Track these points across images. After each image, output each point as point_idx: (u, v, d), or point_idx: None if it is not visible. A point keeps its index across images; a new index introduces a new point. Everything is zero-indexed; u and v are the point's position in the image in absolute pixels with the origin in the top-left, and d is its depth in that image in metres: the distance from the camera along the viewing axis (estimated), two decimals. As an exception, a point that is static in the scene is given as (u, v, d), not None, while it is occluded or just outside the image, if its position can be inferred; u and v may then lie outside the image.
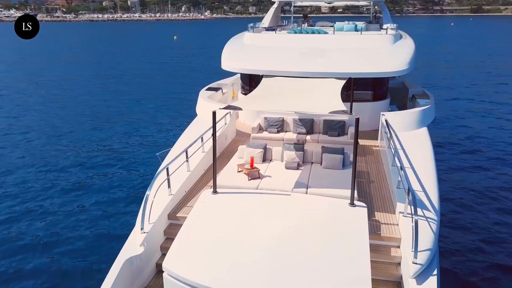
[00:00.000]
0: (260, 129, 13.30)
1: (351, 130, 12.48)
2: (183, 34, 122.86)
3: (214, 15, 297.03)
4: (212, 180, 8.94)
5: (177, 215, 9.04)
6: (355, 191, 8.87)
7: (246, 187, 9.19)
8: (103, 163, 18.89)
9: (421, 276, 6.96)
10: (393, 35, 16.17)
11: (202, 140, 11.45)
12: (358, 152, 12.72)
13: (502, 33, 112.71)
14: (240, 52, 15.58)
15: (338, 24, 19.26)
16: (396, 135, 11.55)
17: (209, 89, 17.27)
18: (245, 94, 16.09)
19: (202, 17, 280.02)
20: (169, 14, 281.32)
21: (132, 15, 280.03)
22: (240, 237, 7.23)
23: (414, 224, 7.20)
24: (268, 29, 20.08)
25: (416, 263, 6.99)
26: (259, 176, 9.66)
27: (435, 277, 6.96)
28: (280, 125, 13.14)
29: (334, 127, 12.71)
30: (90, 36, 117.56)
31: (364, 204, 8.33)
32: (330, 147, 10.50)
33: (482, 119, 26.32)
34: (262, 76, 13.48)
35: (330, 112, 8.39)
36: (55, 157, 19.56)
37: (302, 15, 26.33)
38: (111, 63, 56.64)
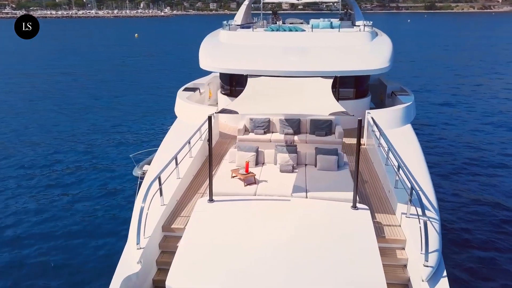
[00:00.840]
0: (246, 130, 12.94)
1: (339, 129, 12.37)
2: (144, 32, 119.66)
3: (175, 12, 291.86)
4: (208, 188, 8.50)
5: (172, 226, 8.54)
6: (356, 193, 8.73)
7: (243, 194, 8.82)
8: (72, 167, 17.87)
9: (432, 279, 6.89)
10: (370, 32, 16.26)
11: (189, 144, 10.95)
12: (346, 151, 12.65)
13: (456, 28, 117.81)
14: (219, 51, 15.11)
15: (313, 21, 19.18)
16: (384, 134, 11.52)
17: (187, 89, 16.69)
18: (226, 94, 15.66)
19: (162, 13, 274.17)
20: (128, 11, 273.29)
21: (88, 11, 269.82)
22: (244, 247, 6.89)
23: (423, 225, 7.12)
24: (243, 26, 19.71)
25: (427, 266, 6.91)
26: (255, 181, 9.31)
27: (445, 278, 6.91)
28: (266, 126, 12.82)
29: (321, 127, 12.55)
30: (47, 33, 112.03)
31: (366, 207, 8.20)
32: (323, 148, 10.31)
33: (451, 112, 27.20)
34: (246, 76, 13.13)
35: (330, 114, 8.18)
36: (14, 159, 18.30)
37: (271, 11, 26.13)
38: (70, 61, 54.19)
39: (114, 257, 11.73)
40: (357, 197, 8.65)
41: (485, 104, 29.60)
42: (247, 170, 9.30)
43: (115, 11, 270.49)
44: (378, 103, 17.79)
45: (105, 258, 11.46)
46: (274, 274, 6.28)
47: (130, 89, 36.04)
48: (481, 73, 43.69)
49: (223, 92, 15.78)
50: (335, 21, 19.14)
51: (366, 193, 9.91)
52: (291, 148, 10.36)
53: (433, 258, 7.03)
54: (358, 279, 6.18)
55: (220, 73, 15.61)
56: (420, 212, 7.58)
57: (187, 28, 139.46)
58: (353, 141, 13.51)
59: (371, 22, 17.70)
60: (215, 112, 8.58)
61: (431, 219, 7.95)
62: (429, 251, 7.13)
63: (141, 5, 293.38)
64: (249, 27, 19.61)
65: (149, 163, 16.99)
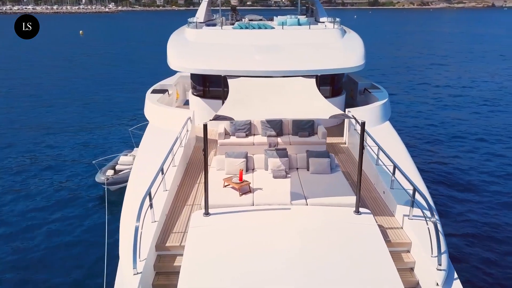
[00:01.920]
0: (226, 134, 12.38)
1: (321, 129, 12.16)
2: (89, 29, 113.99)
3: (120, 8, 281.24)
4: (204, 200, 7.92)
5: (166, 245, 7.86)
6: (355, 197, 8.52)
7: (239, 204, 8.31)
8: (30, 174, 16.40)
9: (446, 282, 6.80)
10: (340, 29, 16.25)
11: (171, 153, 10.24)
12: (329, 151, 12.47)
13: (400, 23, 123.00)
14: (192, 51, 14.39)
15: (280, 18, 18.93)
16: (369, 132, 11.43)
17: (155, 91, 15.81)
18: (198, 95, 14.97)
19: (107, 10, 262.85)
20: (68, 7, 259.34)
21: (24, 7, 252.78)
22: (252, 261, 6.47)
23: (433, 227, 7.01)
24: (208, 24, 19.05)
25: (441, 270, 6.81)
26: (249, 190, 8.83)
27: (458, 280, 6.85)
28: (248, 129, 12.34)
29: (304, 127, 12.28)
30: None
31: (368, 211, 8.03)
32: (314, 150, 10.04)
33: (414, 106, 28.15)
34: (223, 77, 12.57)
35: (330, 117, 7.88)
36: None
37: (230, 8, 25.62)
38: (8, 64, 50.29)
39: (82, 269, 10.97)
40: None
41: (440, 94, 30.96)
42: (241, 179, 8.79)
43: (55, 7, 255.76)
44: (349, 101, 17.87)
45: (73, 269, 10.58)
46: (289, 286, 5.93)
47: (84, 91, 33.99)
48: (429, 64, 45.83)
49: (195, 93, 15.08)
50: (302, 18, 18.99)
51: (360, 195, 9.74)
52: (281, 152, 9.98)
53: (445, 260, 6.95)
54: (375, 284, 6.02)
55: (192, 74, 14.89)
56: (426, 214, 7.50)
57: (135, 24, 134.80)
58: (333, 140, 13.39)
59: (338, 19, 17.69)
60: (210, 119, 7.96)
61: (433, 220, 7.87)
62: (441, 253, 7.06)
63: (83, 0, 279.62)
64: (214, 25, 19.00)
65: (112, 168, 16.00)
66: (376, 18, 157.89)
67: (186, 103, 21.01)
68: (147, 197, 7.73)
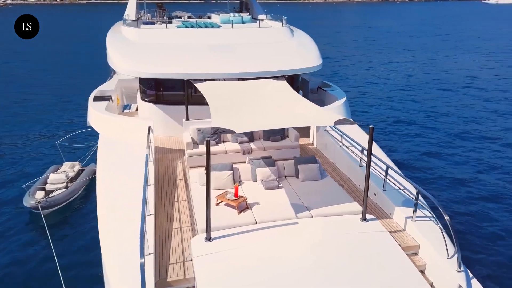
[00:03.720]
0: (194, 143, 11.45)
1: (293, 132, 11.83)
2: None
3: (9, 1, 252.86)
4: (206, 225, 7.12)
5: (169, 280, 6.91)
6: (355, 203, 8.37)
7: (240, 224, 7.64)
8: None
9: (467, 283, 6.88)
10: (288, 27, 16.06)
11: (146, 171, 9.12)
12: (301, 154, 12.21)
13: (312, 18, 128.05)
14: (144, 53, 13.07)
15: (222, 15, 18.19)
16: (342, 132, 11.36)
17: (98, 98, 14.16)
18: (151, 101, 13.69)
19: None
20: None
21: None
22: (275, 285, 6.04)
23: (450, 226, 7.03)
24: (146, 22, 17.64)
25: (460, 271, 6.88)
26: (247, 206, 8.16)
27: (475, 279, 6.97)
28: (217, 136, 11.54)
29: (275, 131, 11.84)
30: None
31: (373, 217, 7.91)
32: (301, 157, 9.67)
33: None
34: (186, 81, 11.62)
35: (335, 122, 7.55)
36: None
37: (155, 4, 24.17)
38: None
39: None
40: (359, 207, 8.29)
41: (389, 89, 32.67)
42: (236, 195, 8.08)
43: None
44: None
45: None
46: None
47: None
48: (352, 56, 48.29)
49: (146, 99, 13.77)
50: (245, 16, 18.49)
51: (335, 199, 9.51)
52: (268, 160, 9.44)
53: (459, 261, 7.04)
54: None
55: (142, 78, 13.55)
56: (434, 215, 7.55)
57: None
58: (300, 141, 13.16)
59: (285, 17, 17.48)
60: (211, 135, 7.13)
61: (448, 221, 7.83)
62: (453, 254, 7.14)
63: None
64: (152, 23, 17.69)
65: (42, 189, 14.17)
66: (285, 12, 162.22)
67: (125, 108, 19.34)
68: (144, 227, 6.71)
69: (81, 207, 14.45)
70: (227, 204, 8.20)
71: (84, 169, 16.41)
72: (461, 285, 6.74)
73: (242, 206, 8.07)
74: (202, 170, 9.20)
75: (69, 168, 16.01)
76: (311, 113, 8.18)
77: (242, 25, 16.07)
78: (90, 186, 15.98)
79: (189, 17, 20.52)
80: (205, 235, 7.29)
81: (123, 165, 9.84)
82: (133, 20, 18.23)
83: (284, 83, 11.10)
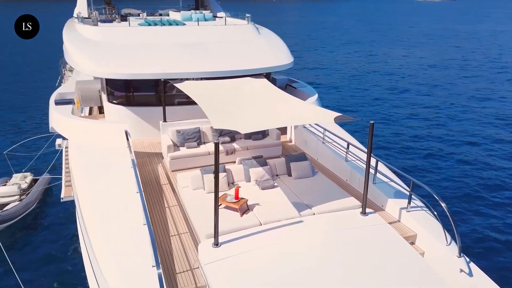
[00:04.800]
0: (175, 145, 11.05)
1: (274, 130, 11.82)
2: None
3: None
4: (214, 229, 6.91)
5: None
6: (352, 198, 8.54)
7: (245, 227, 7.50)
8: None
9: (468, 268, 7.25)
10: (253, 25, 16.01)
11: (136, 179, 8.66)
12: (283, 152, 12.24)
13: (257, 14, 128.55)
14: (111, 53, 12.34)
15: (183, 13, 17.74)
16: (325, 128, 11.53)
17: (60, 102, 13.20)
18: (120, 103, 12.99)
19: None
20: None
21: None
22: (293, 284, 6.11)
23: (448, 213, 7.36)
24: (103, 20, 16.73)
25: (460, 257, 7.25)
26: (248, 208, 8.02)
27: (473, 263, 7.38)
28: (197, 137, 11.22)
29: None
30: None
31: (372, 210, 8.13)
32: (292, 155, 9.67)
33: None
34: (163, 81, 11.17)
35: (335, 119, 7.64)
36: None
37: (104, 1, 23.08)
38: None
39: None
40: (356, 201, 8.46)
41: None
42: (237, 197, 7.91)
43: None
44: None
45: None
46: None
47: None
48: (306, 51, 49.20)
49: (114, 101, 13.04)
50: (207, 13, 18.17)
51: (339, 194, 9.75)
52: (260, 160, 9.34)
53: (460, 245, 7.41)
54: (415, 276, 6.34)
55: (108, 80, 12.81)
56: (429, 204, 7.90)
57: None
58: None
59: (249, 14, 17.39)
60: (218, 139, 6.84)
61: (446, 209, 8.10)
62: (451, 241, 7.51)
63: None
64: (110, 21, 16.81)
65: None
66: (226, 9, 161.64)
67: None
68: (153, 236, 6.36)
69: (38, 220, 13.50)
70: (227, 207, 8.00)
71: (38, 179, 15.30)
72: (462, 270, 7.10)
73: (244, 208, 7.92)
74: (198, 173, 8.90)
75: (21, 179, 14.87)
76: (308, 111, 8.19)
77: (207, 23, 15.74)
78: (46, 197, 14.96)
79: (139, 14, 19.77)
80: (212, 240, 7.07)
81: (106, 173, 9.26)
82: (87, 18, 17.21)
83: (265, 81, 11.04)
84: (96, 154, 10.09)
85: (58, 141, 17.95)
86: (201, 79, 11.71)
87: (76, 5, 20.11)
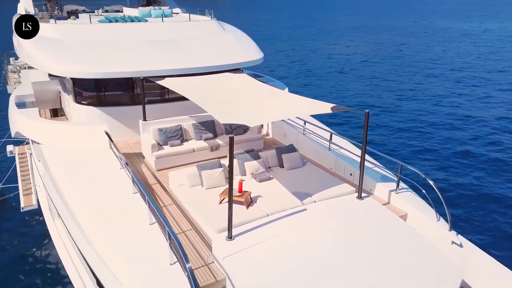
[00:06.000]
0: (158, 144, 10.83)
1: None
2: None
3: None
4: (228, 223, 6.99)
5: (202, 285, 6.62)
6: (345, 184, 9.00)
7: (255, 218, 7.66)
8: None
9: (459, 239, 7.99)
10: (216, 20, 16.04)
11: (134, 183, 8.46)
12: (264, 146, 12.46)
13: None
14: (80, 52, 11.74)
15: (142, 9, 17.29)
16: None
17: (21, 105, 12.36)
18: (90, 103, 12.40)
19: None
20: None
21: None
22: (314, 269, 6.49)
23: (437, 189, 8.04)
24: (58, 17, 15.85)
25: (450, 230, 7.98)
26: (252, 200, 8.17)
27: (462, 236, 8.15)
28: (180, 135, 11.09)
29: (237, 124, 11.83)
30: None
31: (366, 194, 8.65)
32: (282, 147, 9.93)
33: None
34: (142, 79, 10.91)
35: (332, 108, 8.02)
36: None
37: None
38: None
39: None
40: (353, 187, 8.93)
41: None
42: (241, 190, 8.01)
43: None
44: None
45: None
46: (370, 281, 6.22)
47: None
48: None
49: (83, 102, 12.42)
50: (166, 9, 17.85)
51: (327, 181, 10.12)
52: (253, 154, 9.50)
53: (450, 219, 8.11)
54: (432, 265, 6.81)
55: (76, 79, 12.17)
56: (418, 185, 8.57)
57: None
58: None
59: (212, 10, 17.34)
60: (232, 133, 6.86)
61: (435, 188, 8.68)
62: (439, 217, 8.23)
63: None
64: (64, 18, 15.96)
65: None
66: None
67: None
68: (173, 238, 6.31)
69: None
70: (241, 201, 8.09)
71: None
72: (454, 242, 7.83)
73: (248, 200, 8.05)
74: (194, 171, 8.85)
75: None
76: (303, 103, 8.48)
77: (171, 19, 15.49)
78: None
79: (83, 11, 18.94)
80: (224, 234, 7.15)
81: (95, 176, 8.90)
82: (35, 14, 16.17)
83: (246, 75, 11.17)
84: (79, 158, 9.63)
85: (9, 147, 16.70)
86: (178, 76, 11.56)
87: (20, 1, 18.76)
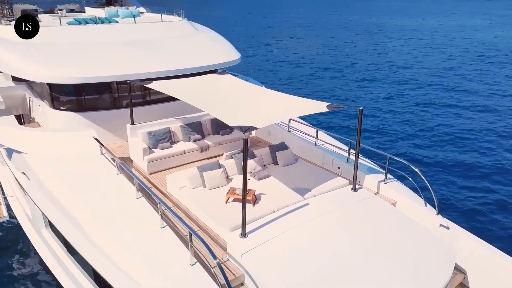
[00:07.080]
0: (148, 147, 10.77)
1: None
2: None
3: None
4: (241, 221, 7.24)
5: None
6: (339, 178, 9.49)
7: (263, 215, 7.95)
8: None
9: (447, 222, 8.72)
10: (187, 21, 16.08)
11: (137, 189, 8.44)
12: (250, 145, 12.70)
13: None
14: (52, 56, 11.37)
15: (108, 9, 16.92)
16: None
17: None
18: (70, 109, 12.02)
19: None
20: None
21: None
22: (329, 258, 6.92)
23: (424, 178, 8.72)
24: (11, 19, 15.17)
25: (437, 214, 8.70)
26: (256, 198, 8.44)
27: (448, 219, 8.90)
28: (169, 137, 11.09)
29: (223, 124, 12.01)
30: None
31: (359, 186, 9.21)
32: (275, 145, 10.25)
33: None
34: (128, 82, 10.80)
35: (327, 106, 8.44)
36: None
37: None
38: None
39: None
40: (350, 180, 9.43)
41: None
42: (245, 189, 8.24)
43: None
44: None
45: None
46: (379, 267, 6.73)
47: None
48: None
49: (62, 107, 12.02)
50: (133, 9, 17.58)
51: (316, 176, 10.54)
52: (249, 153, 9.76)
53: (437, 203, 8.81)
54: (429, 251, 7.40)
55: (53, 85, 11.75)
56: (405, 175, 9.24)
57: None
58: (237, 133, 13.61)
59: (182, 10, 17.27)
60: (247, 134, 7.02)
61: (423, 176, 9.32)
62: (426, 203, 8.94)
63: None
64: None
65: None
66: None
67: None
68: (196, 238, 6.47)
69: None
70: (236, 199, 8.30)
71: None
72: (442, 224, 8.56)
73: (254, 198, 8.30)
74: (195, 172, 8.95)
75: None
76: (299, 102, 8.84)
77: (143, 20, 15.30)
78: None
79: (35, 10, 18.22)
80: (237, 232, 7.38)
81: (93, 183, 8.76)
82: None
83: (231, 76, 11.35)
84: (72, 166, 9.40)
85: None
86: (162, 78, 11.52)
87: None
